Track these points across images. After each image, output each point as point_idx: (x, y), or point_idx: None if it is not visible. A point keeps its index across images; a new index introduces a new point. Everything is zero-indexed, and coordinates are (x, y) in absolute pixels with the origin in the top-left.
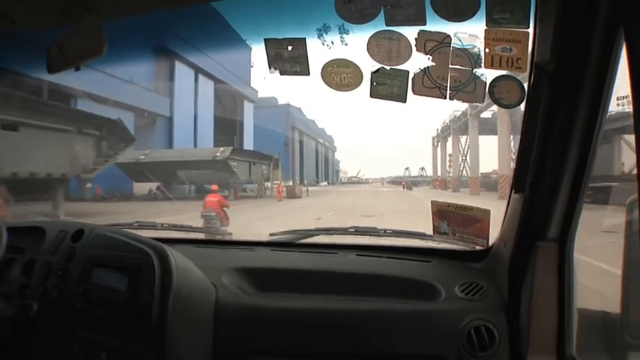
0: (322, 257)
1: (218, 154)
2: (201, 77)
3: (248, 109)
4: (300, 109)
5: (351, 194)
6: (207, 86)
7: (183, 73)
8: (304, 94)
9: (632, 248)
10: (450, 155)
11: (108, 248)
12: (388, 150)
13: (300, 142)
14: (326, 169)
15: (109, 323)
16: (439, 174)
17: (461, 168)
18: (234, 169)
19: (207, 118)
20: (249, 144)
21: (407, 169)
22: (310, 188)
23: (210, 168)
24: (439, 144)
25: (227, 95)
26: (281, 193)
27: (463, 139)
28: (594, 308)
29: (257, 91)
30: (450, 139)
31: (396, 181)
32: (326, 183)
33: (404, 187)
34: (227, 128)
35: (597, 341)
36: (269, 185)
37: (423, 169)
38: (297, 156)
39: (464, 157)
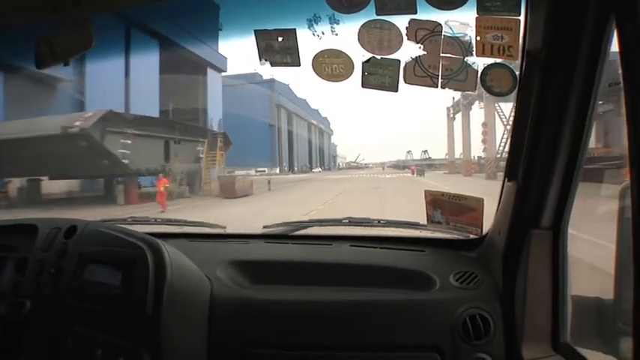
0: (316, 249)
1: (78, 122)
2: (136, 33)
3: (214, 80)
4: (288, 85)
5: (342, 184)
6: (148, 46)
7: (109, 25)
8: (298, 76)
9: (625, 235)
10: (484, 125)
11: (101, 244)
12: (389, 134)
13: (289, 124)
14: (321, 155)
15: (103, 319)
16: (459, 154)
17: (502, 143)
18: (110, 148)
19: (147, 88)
20: (216, 124)
21: (409, 152)
22: (296, 176)
23: (70, 149)
24: (458, 114)
25: (183, 61)
26: (163, 195)
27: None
28: (588, 295)
29: (226, 58)
30: (476, 106)
31: (398, 166)
32: (320, 169)
33: (413, 173)
34: (187, 104)
35: (591, 328)
36: (218, 172)
37: (425, 151)
38: (285, 139)
39: (508, 128)
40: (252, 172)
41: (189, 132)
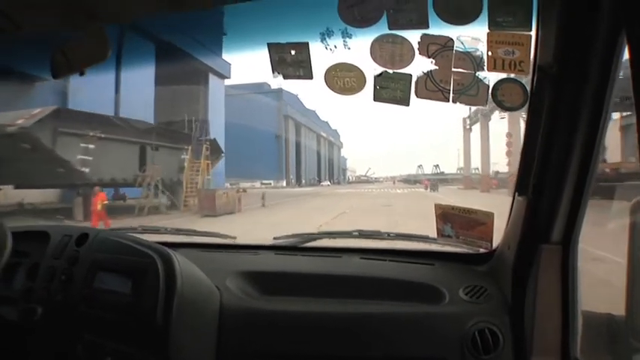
0: (326, 261)
1: (20, 120)
2: (132, 35)
3: (216, 86)
4: (297, 96)
5: (348, 200)
6: (143, 48)
7: None
8: (308, 88)
9: (636, 250)
10: (508, 135)
11: (112, 252)
12: (399, 148)
13: (297, 136)
14: (330, 168)
15: (113, 327)
16: (476, 168)
17: None
18: (64, 153)
19: (140, 94)
20: (218, 133)
21: (420, 166)
22: (302, 190)
23: (13, 151)
24: (476, 125)
25: (183, 66)
26: (99, 215)
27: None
28: (598, 311)
29: (230, 64)
30: (496, 115)
31: (409, 180)
32: (328, 183)
33: (426, 188)
34: (185, 112)
35: (601, 344)
36: (202, 181)
37: (437, 166)
38: (293, 151)
39: None
40: (257, 184)
41: (170, 137)
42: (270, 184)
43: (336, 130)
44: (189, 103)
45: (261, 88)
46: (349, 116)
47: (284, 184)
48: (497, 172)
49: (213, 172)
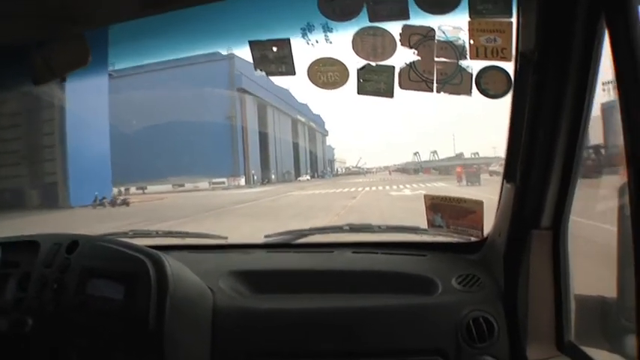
0: (318, 256)
1: None
2: None
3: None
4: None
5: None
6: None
7: None
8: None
9: (625, 233)
10: None
11: (103, 258)
12: (392, 137)
13: (261, 118)
14: (312, 159)
15: (106, 333)
16: (475, 153)
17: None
18: None
19: None
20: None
21: (416, 153)
22: (252, 191)
23: None
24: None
25: None
26: None
27: None
28: (591, 294)
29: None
30: None
31: (407, 169)
32: (308, 177)
33: (460, 180)
34: None
35: (595, 326)
36: None
37: (435, 152)
38: (255, 138)
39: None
40: (203, 184)
41: None
42: (224, 183)
43: (319, 116)
44: None
45: (210, 58)
46: (335, 104)
47: (242, 182)
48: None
49: (70, 175)
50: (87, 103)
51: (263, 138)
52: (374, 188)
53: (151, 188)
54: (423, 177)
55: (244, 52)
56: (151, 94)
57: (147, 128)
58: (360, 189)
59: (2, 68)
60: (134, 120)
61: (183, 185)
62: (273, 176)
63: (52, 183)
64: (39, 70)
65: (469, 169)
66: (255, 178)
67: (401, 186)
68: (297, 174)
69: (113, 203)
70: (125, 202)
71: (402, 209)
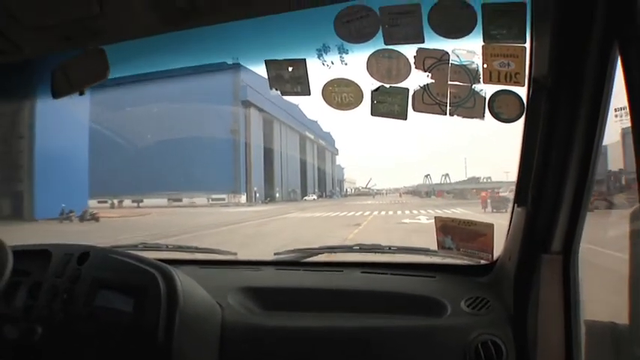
0: (327, 275)
1: None
2: None
3: None
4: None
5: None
6: None
7: None
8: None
9: (638, 258)
10: None
11: (113, 270)
12: (404, 158)
13: (267, 132)
14: (321, 178)
15: (115, 345)
16: (487, 177)
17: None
18: None
19: None
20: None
21: (427, 176)
22: (243, 210)
23: None
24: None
25: None
26: None
27: None
28: (601, 319)
29: None
30: None
31: (418, 192)
32: (314, 197)
33: (485, 207)
34: None
35: (606, 353)
36: None
37: (446, 175)
38: (259, 154)
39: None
40: (201, 200)
41: None
42: (224, 199)
43: (329, 133)
44: None
45: (214, 68)
46: (346, 122)
47: (243, 199)
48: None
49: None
50: (62, 111)
51: (268, 154)
52: (383, 213)
53: (147, 202)
54: (437, 201)
55: (251, 64)
56: (145, 103)
57: (140, 140)
58: (367, 213)
59: (23, 80)
60: (125, 130)
61: (180, 200)
62: (277, 194)
63: (19, 192)
64: (58, 83)
65: (495, 194)
66: (258, 195)
67: (414, 211)
68: (304, 193)
69: (82, 217)
70: (94, 218)
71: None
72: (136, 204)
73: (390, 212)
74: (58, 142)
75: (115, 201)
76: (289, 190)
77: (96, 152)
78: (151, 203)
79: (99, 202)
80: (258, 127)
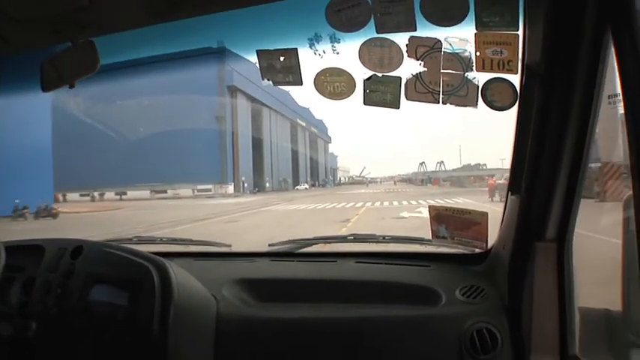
0: (322, 266)
1: None
2: None
3: None
4: (256, 64)
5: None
6: None
7: None
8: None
9: (630, 246)
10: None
11: (107, 264)
12: (397, 147)
13: (255, 120)
14: (313, 167)
15: (110, 339)
16: (483, 164)
17: None
18: None
19: None
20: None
21: (422, 164)
22: (225, 202)
23: None
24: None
25: None
26: None
27: None
28: (596, 307)
29: None
30: None
31: (413, 180)
32: (306, 186)
33: (491, 195)
34: None
35: (600, 340)
36: None
37: (441, 163)
38: (247, 142)
39: None
40: (186, 191)
41: None
42: (210, 190)
43: (321, 121)
44: None
45: (198, 52)
46: (339, 110)
47: (230, 189)
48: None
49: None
50: (17, 104)
51: (257, 142)
52: (377, 204)
53: (131, 194)
54: (434, 189)
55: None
56: (126, 91)
57: (122, 130)
58: (359, 204)
59: (12, 73)
60: (106, 120)
61: (165, 192)
62: (267, 184)
63: None
64: (48, 76)
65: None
66: (246, 185)
67: (413, 202)
68: (296, 182)
69: (37, 214)
70: (51, 214)
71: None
72: (118, 197)
73: (386, 203)
74: (13, 136)
75: (96, 194)
76: (280, 179)
77: (76, 144)
78: (134, 196)
79: (81, 195)
80: (247, 113)
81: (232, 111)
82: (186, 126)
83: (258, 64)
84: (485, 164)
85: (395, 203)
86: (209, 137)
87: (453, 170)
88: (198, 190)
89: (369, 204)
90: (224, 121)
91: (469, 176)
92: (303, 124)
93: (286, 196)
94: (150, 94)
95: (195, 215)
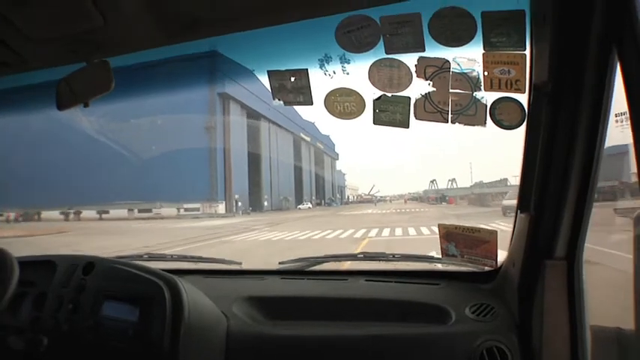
0: (332, 284)
1: None
2: None
3: None
4: (253, 71)
5: None
6: None
7: None
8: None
9: None
10: None
11: (119, 280)
12: (408, 164)
13: (252, 132)
14: (318, 185)
15: (120, 355)
16: (511, 177)
17: None
18: None
19: None
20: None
21: (433, 181)
22: (198, 225)
23: None
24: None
25: None
26: None
27: None
28: (607, 325)
29: None
30: None
31: (424, 198)
32: (309, 205)
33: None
34: None
35: (612, 359)
36: None
37: (453, 180)
38: (242, 156)
39: None
40: (170, 211)
41: None
42: (198, 209)
43: (328, 137)
44: None
45: (187, 56)
46: (347, 127)
47: (221, 208)
48: None
49: None
50: None
51: (254, 157)
52: (386, 233)
53: (113, 213)
54: (454, 209)
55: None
56: (108, 102)
57: (104, 144)
58: (360, 233)
59: (28, 92)
60: (85, 134)
61: (150, 211)
62: (266, 202)
63: None
64: (63, 94)
65: None
66: (240, 204)
67: (434, 228)
68: (299, 201)
69: None
70: None
71: None
72: (99, 215)
73: (398, 231)
74: None
75: (71, 212)
76: (280, 197)
77: (54, 161)
78: (116, 215)
79: (61, 213)
80: (241, 124)
81: (224, 120)
82: (173, 138)
83: (269, 85)
84: (506, 179)
85: (411, 232)
86: (197, 149)
87: (472, 186)
88: (185, 210)
89: (373, 233)
90: (214, 131)
91: (496, 193)
92: (308, 139)
93: (279, 217)
94: (134, 104)
95: (134, 244)
